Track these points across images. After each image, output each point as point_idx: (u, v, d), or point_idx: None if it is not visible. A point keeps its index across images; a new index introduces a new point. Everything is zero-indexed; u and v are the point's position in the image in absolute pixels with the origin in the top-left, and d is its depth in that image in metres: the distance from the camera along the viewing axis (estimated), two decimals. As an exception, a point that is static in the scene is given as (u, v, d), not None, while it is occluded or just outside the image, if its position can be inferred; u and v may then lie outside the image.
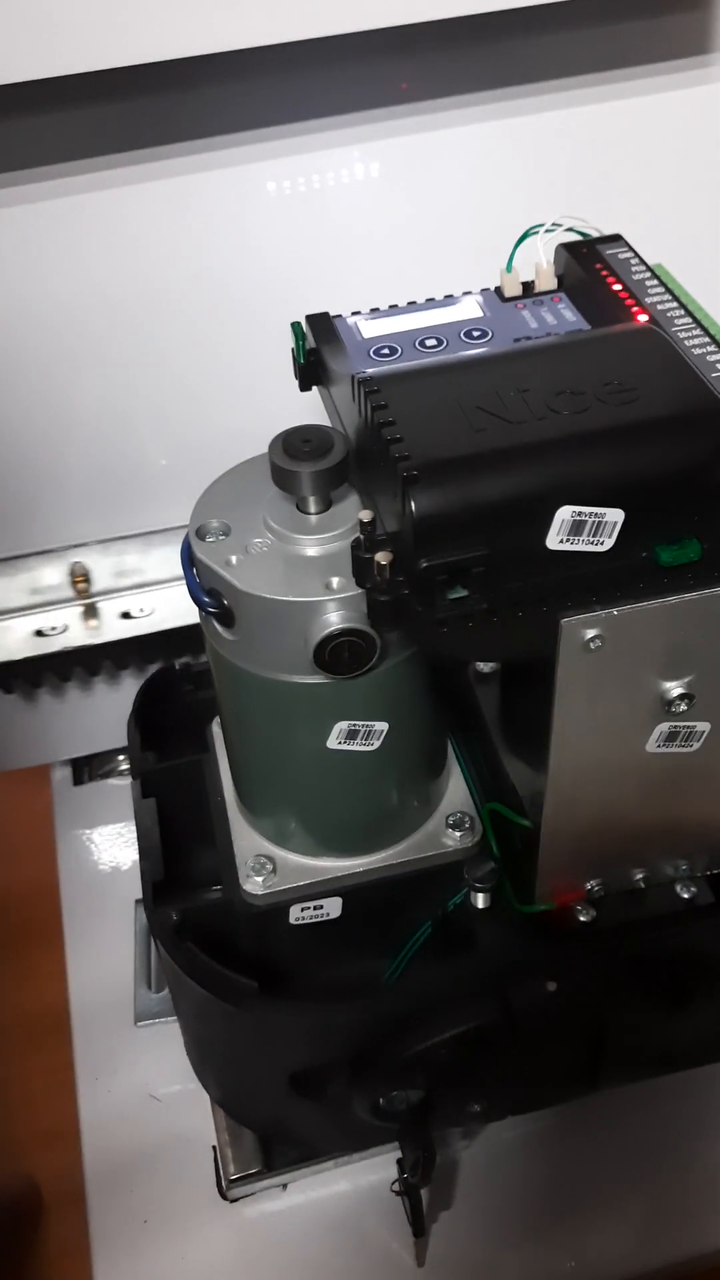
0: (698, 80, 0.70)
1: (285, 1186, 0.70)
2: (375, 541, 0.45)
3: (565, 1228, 0.68)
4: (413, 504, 0.43)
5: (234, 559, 0.52)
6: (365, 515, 0.46)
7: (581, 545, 0.44)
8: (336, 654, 0.50)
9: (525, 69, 0.69)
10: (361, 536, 0.46)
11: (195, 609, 0.54)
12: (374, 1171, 0.69)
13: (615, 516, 0.44)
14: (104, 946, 0.82)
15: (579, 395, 0.45)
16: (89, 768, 0.96)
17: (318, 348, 0.56)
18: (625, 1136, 0.71)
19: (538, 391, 0.46)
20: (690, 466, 0.44)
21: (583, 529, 0.44)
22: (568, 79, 0.69)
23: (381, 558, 0.44)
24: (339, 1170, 0.69)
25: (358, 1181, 0.69)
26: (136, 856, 0.66)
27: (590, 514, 0.43)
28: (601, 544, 0.44)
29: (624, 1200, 0.69)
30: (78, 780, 0.95)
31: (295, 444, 0.51)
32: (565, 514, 0.43)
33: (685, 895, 0.61)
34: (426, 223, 0.71)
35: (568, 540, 0.44)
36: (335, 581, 0.50)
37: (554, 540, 0.44)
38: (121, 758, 0.96)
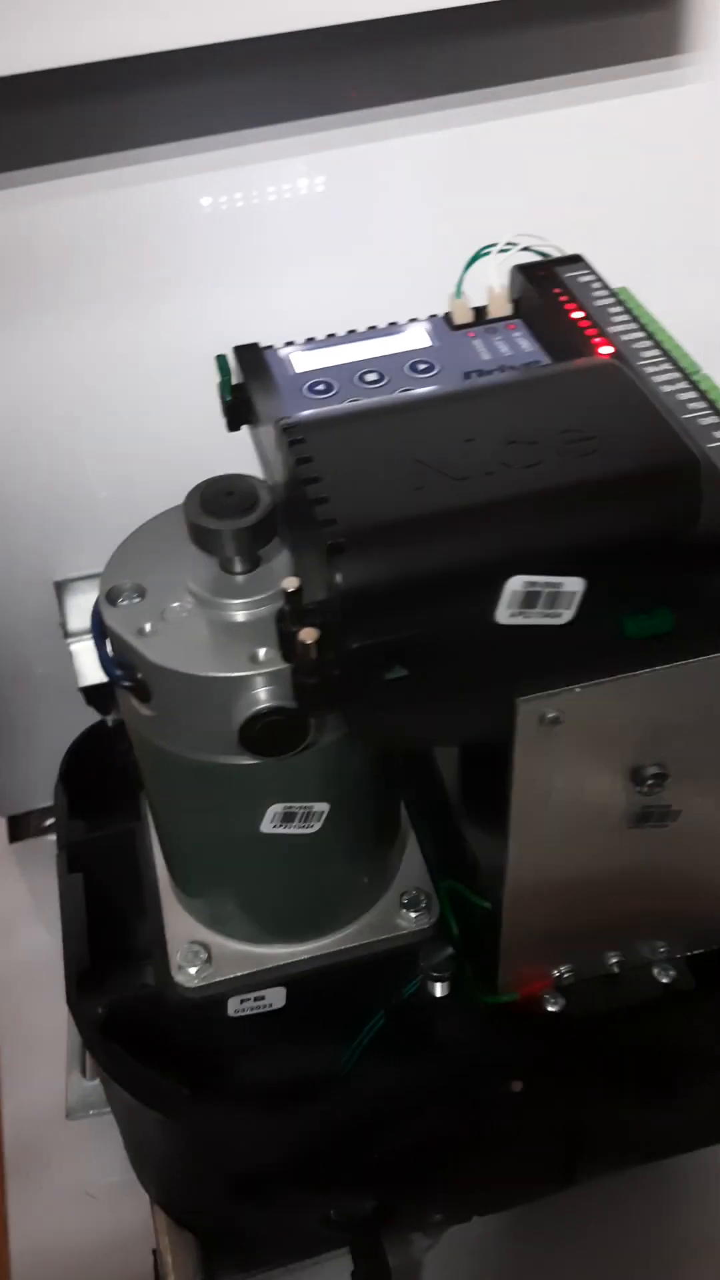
0: (667, 83, 0.64)
1: (232, 1295, 0.64)
2: (302, 613, 0.40)
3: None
4: (339, 576, 0.37)
5: (148, 626, 0.46)
6: (290, 584, 0.40)
7: (536, 619, 0.38)
8: (265, 734, 0.44)
9: (480, 73, 0.63)
10: (286, 607, 0.40)
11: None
12: (328, 1278, 0.63)
13: (574, 586, 0.38)
14: (37, 1028, 0.76)
15: (532, 445, 0.39)
16: (28, 823, 0.90)
17: (245, 383, 0.50)
18: (603, 1224, 0.66)
19: (486, 440, 0.40)
20: (660, 527, 0.38)
21: (537, 601, 0.38)
22: (526, 83, 0.64)
23: (306, 635, 0.38)
24: (289, 1278, 0.63)
25: (310, 1290, 0.63)
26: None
27: (545, 584, 0.38)
28: (559, 616, 0.39)
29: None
30: (14, 837, 0.89)
31: (214, 497, 0.45)
32: (516, 585, 0.38)
33: (664, 980, 0.56)
34: (371, 242, 0.65)
35: (520, 614, 0.38)
36: (262, 653, 0.44)
37: (504, 614, 0.38)
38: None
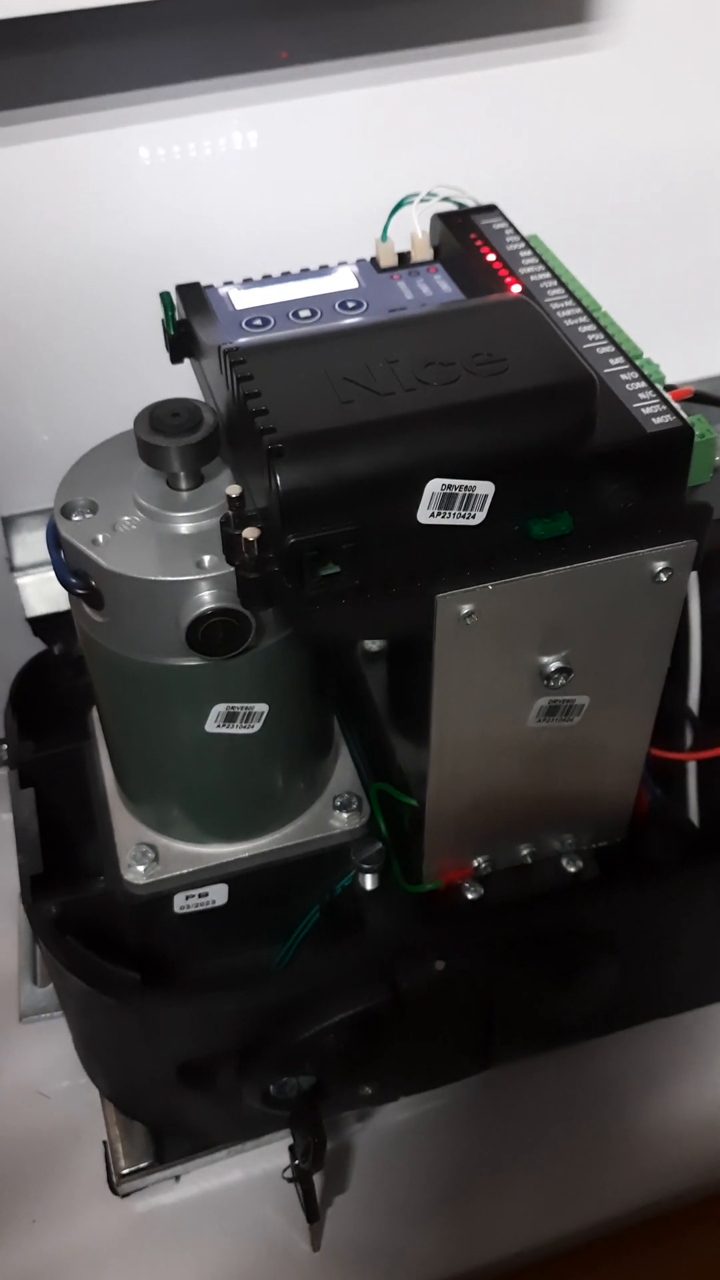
0: (575, 49, 0.69)
1: (178, 1178, 0.68)
2: (244, 517, 0.44)
3: (461, 1206, 0.68)
4: (278, 478, 0.41)
5: (101, 537, 0.50)
6: (233, 490, 0.44)
7: (453, 519, 0.43)
8: (210, 634, 0.48)
9: (404, 35, 0.67)
10: (230, 513, 0.44)
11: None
12: (267, 1159, 0.68)
13: (485, 489, 0.43)
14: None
15: (448, 366, 0.44)
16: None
17: (188, 319, 0.54)
18: (519, 1110, 0.71)
19: (407, 363, 0.45)
20: (559, 437, 0.43)
21: (453, 502, 0.43)
22: (446, 45, 0.68)
23: (249, 534, 0.43)
24: (232, 1159, 0.68)
25: (251, 1170, 0.68)
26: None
27: (460, 487, 0.43)
28: (473, 517, 0.44)
29: (520, 1174, 0.69)
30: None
31: (163, 418, 0.49)
32: (435, 487, 0.42)
33: (571, 870, 0.61)
34: (303, 191, 0.69)
35: (439, 514, 0.43)
36: (207, 560, 0.48)
37: (425, 514, 0.43)
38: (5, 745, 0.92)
